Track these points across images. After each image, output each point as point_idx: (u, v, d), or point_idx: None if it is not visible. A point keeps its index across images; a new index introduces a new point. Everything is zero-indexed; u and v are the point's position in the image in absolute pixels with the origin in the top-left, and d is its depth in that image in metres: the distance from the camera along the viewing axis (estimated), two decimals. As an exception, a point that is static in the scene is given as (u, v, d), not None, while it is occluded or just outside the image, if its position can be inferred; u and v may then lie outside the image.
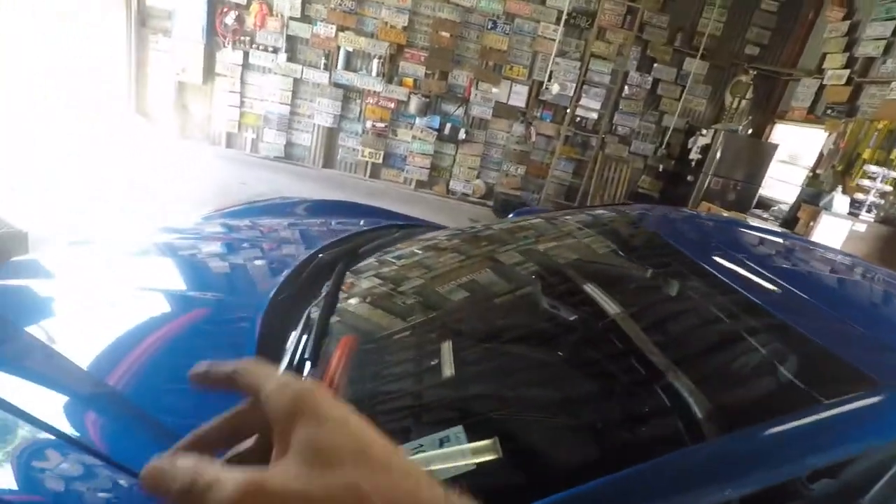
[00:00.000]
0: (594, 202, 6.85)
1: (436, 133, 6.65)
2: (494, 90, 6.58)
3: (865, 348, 0.97)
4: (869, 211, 4.52)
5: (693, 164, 6.40)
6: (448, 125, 6.65)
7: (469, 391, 1.10)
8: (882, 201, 4.53)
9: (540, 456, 0.90)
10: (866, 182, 4.57)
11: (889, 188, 4.51)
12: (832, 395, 0.84)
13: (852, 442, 0.80)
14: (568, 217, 2.00)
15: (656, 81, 6.79)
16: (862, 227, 4.43)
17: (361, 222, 2.02)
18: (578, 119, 6.83)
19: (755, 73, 6.61)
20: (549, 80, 6.58)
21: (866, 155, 5.14)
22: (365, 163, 6.82)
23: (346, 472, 0.23)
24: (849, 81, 5.62)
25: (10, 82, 4.95)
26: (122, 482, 0.81)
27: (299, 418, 0.25)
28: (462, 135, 6.70)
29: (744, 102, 6.73)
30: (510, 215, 2.38)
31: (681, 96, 6.83)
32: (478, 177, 7.03)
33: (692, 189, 6.23)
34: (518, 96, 6.70)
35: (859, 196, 4.59)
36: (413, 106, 6.50)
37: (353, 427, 0.25)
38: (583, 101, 6.75)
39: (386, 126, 6.60)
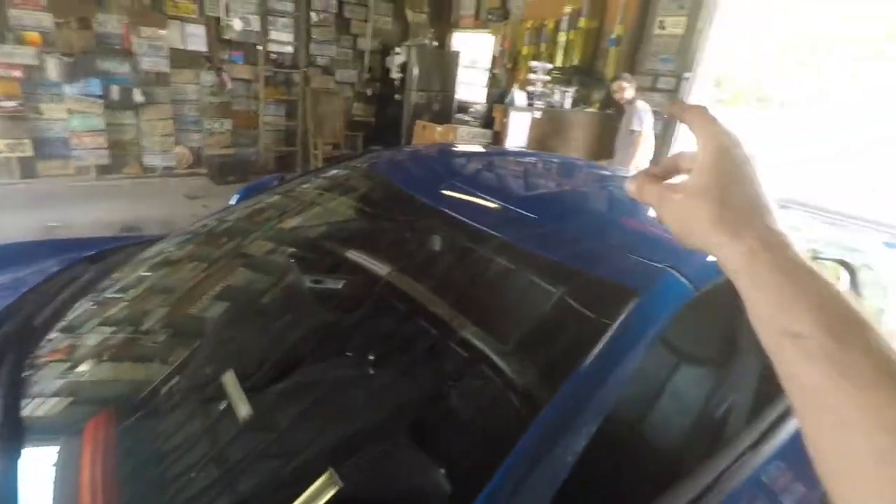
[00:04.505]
0: (317, 141, 6.58)
1: (101, 100, 5.25)
2: (162, 33, 5.42)
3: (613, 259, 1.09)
4: (539, 99, 5.42)
5: (396, 83, 6.59)
6: (115, 87, 5.30)
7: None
8: (546, 90, 5.46)
9: None
10: (532, 76, 5.43)
11: (548, 78, 5.46)
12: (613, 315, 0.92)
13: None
14: (305, 185, 1.80)
15: (341, 4, 6.61)
16: (538, 114, 5.32)
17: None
18: (274, 56, 6.27)
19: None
20: (228, 14, 5.75)
21: (525, 52, 6.10)
22: (7, 160, 5.02)
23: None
24: (497, -13, 6.40)
25: None
26: None
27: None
28: (139, 97, 5.44)
29: (423, 16, 7.12)
30: (233, 198, 2.02)
31: (368, 18, 6.83)
32: (177, 144, 5.93)
33: (402, 107, 6.44)
34: (196, 38, 5.69)
35: (530, 89, 5.43)
36: (53, 70, 4.92)
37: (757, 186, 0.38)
38: (273, 35, 6.17)
39: (20, 104, 4.88)
